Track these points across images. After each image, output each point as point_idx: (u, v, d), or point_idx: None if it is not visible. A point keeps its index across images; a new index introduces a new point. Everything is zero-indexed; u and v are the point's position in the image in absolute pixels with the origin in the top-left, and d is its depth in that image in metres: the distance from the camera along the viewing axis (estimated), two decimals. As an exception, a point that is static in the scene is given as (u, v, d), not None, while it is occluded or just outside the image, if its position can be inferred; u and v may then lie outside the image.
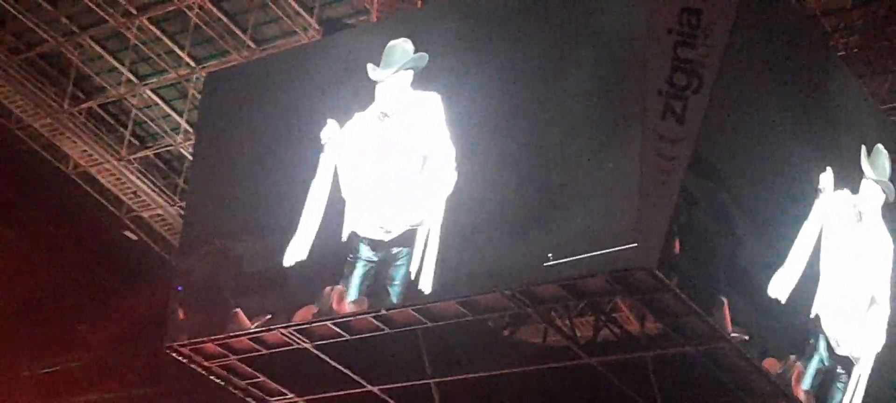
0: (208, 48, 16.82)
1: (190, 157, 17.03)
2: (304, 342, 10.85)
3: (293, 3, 15.74)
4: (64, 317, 18.48)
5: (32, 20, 16.99)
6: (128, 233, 18.99)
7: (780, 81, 9.91)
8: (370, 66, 10.55)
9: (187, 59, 16.86)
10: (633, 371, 10.11)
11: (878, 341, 10.64)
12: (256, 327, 10.89)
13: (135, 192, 18.67)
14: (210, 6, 16.24)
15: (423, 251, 9.98)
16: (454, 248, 9.87)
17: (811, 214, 10.00)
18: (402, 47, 10.52)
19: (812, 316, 10.04)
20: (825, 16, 13.85)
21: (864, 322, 10.55)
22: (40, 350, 18.66)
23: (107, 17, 16.63)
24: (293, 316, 10.68)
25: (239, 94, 12.34)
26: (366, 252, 10.38)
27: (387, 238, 10.27)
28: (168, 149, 18.26)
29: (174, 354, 11.63)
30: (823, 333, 10.16)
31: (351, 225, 10.52)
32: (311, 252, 10.72)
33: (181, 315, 11.50)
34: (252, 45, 16.36)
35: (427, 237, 9.99)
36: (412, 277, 9.98)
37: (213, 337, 11.24)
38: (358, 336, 10.59)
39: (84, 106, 17.86)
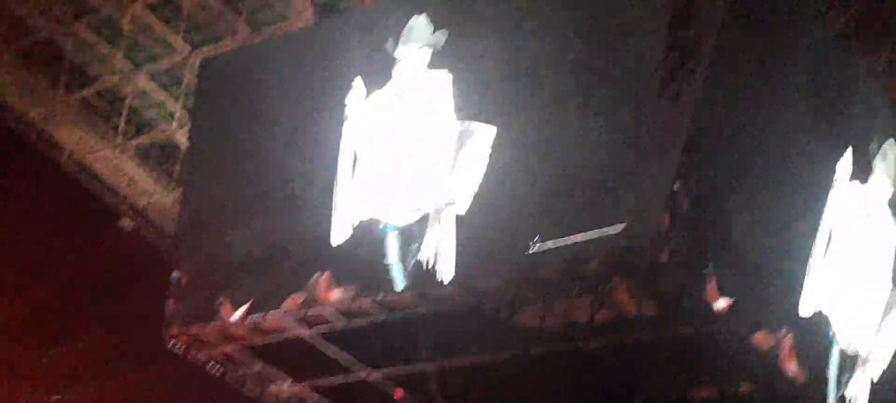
0: (203, 34, 16.76)
1: (186, 144, 16.98)
2: (303, 328, 10.86)
3: (288, -13, 15.69)
4: (60, 312, 18.47)
5: (24, 10, 16.91)
6: (123, 222, 18.95)
7: (779, 59, 9.82)
8: (390, 43, 10.43)
9: (182, 45, 16.80)
10: (631, 353, 10.12)
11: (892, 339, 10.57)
12: (253, 314, 10.90)
13: (131, 180, 18.63)
14: (202, -10, 16.20)
15: (444, 234, 9.89)
16: (457, 232, 9.85)
17: (827, 202, 9.90)
18: (420, 25, 10.43)
19: (819, 311, 9.93)
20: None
21: (878, 319, 10.47)
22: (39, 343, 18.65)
23: (99, 5, 16.57)
24: (282, 303, 10.66)
25: (237, 79, 12.30)
26: (390, 237, 10.21)
27: (403, 222, 10.15)
28: (164, 135, 18.21)
29: (172, 343, 11.64)
30: (834, 331, 10.07)
31: (370, 209, 10.39)
32: (318, 241, 10.65)
33: (179, 304, 11.51)
34: (248, 28, 16.29)
35: (450, 220, 9.88)
36: (426, 261, 9.92)
37: (210, 326, 11.24)
38: (356, 322, 10.59)
39: (78, 94, 17.80)
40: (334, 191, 10.58)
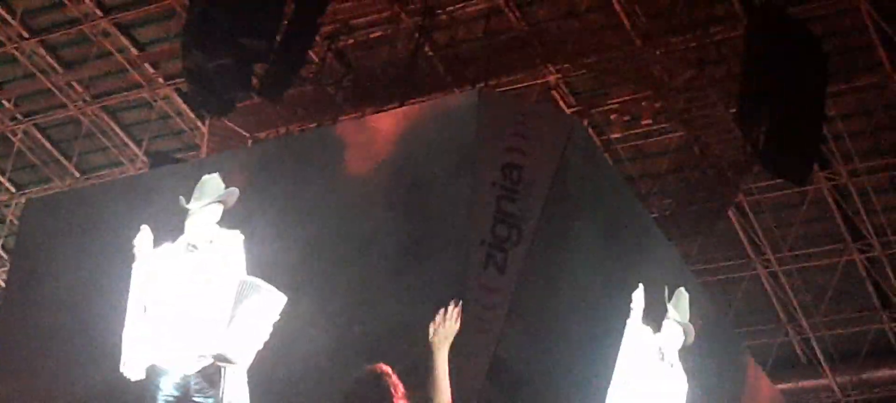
0: (31, 174, 16.48)
1: (2, 285, 16.47)
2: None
3: (122, 134, 15.62)
4: None
5: None
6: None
7: (598, 233, 10.31)
8: (181, 199, 10.57)
9: (7, 185, 16.46)
10: None
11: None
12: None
13: (-59, 319, 17.91)
14: (35, 133, 15.97)
15: (235, 389, 9.87)
16: (261, 396, 9.79)
17: (623, 340, 10.32)
18: (213, 181, 10.61)
19: None
20: (642, 179, 14.54)
21: None
22: None
23: (-76, 137, 16.17)
24: None
25: (58, 222, 12.11)
26: (166, 386, 10.19)
27: (190, 370, 10.12)
28: (-20, 275, 17.64)
29: None
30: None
31: (151, 356, 10.35)
32: (105, 387, 10.49)
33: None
34: (76, 173, 16.10)
35: (235, 379, 9.88)
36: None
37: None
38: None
39: None
40: (123, 334, 10.58)
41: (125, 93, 15.20)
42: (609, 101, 13.76)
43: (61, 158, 16.00)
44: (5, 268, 16.33)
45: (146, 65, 15.05)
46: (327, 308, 9.82)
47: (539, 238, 9.42)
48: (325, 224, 10.13)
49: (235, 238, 10.33)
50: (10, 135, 15.86)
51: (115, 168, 15.88)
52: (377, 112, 12.74)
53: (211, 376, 10.03)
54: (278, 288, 9.93)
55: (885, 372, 17.27)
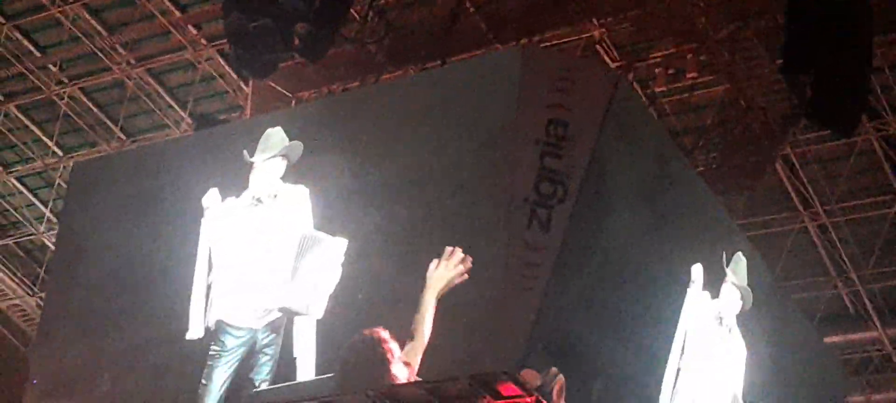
0: (77, 138, 16.62)
1: (52, 247, 16.68)
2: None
3: (167, 97, 15.70)
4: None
5: None
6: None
7: (644, 190, 10.25)
8: (245, 152, 10.64)
9: (55, 149, 16.61)
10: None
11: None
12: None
13: (-7, 282, 18.22)
14: (82, 96, 16.09)
15: (305, 340, 9.96)
16: (340, 340, 9.89)
17: (682, 310, 10.30)
18: (277, 135, 10.66)
19: None
20: (687, 133, 14.42)
21: None
22: None
23: (-28, 103, 16.35)
24: None
25: (107, 185, 12.21)
26: (231, 342, 10.32)
27: (257, 324, 10.23)
28: (30, 238, 17.85)
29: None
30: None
31: (217, 312, 10.47)
32: (164, 347, 10.62)
33: (36, 409, 11.24)
34: (123, 136, 16.22)
35: (304, 329, 9.98)
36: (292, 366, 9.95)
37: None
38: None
39: (-57, 193, 17.44)
40: (191, 294, 10.70)
41: (169, 56, 15.27)
42: (653, 55, 13.62)
43: (107, 121, 16.11)
44: (54, 231, 16.52)
45: (189, 26, 15.10)
46: (385, 255, 9.88)
47: (584, 195, 9.38)
48: (381, 176, 10.15)
49: (300, 192, 10.37)
50: (56, 100, 15.99)
51: (160, 131, 15.98)
52: (419, 70, 12.73)
53: (278, 329, 10.14)
54: (343, 233, 9.99)
55: (935, 324, 17.15)
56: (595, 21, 13.64)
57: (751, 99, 13.45)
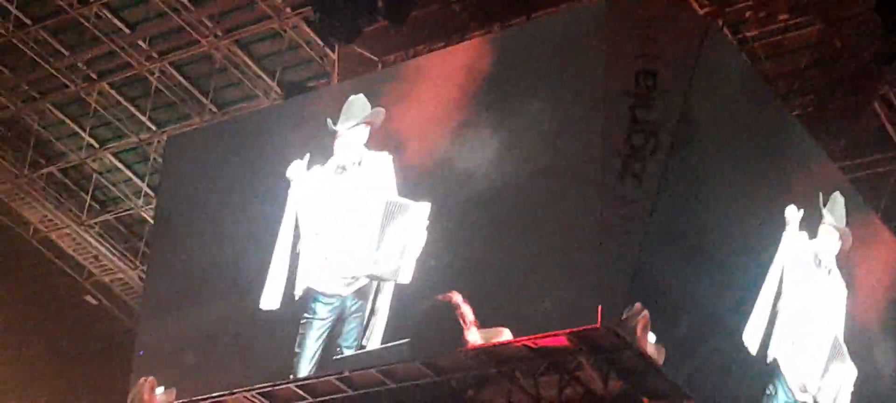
0: (169, 112, 16.83)
1: (151, 221, 16.97)
2: (264, 409, 10.87)
3: (254, 67, 15.81)
4: (24, 387, 18.25)
5: (-8, 87, 16.95)
6: (89, 298, 18.85)
7: (737, 137, 10.09)
8: (329, 120, 10.71)
9: (148, 124, 16.86)
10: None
11: (842, 387, 10.76)
12: (219, 391, 10.90)
13: (96, 257, 18.57)
14: (171, 71, 16.28)
15: (383, 305, 10.06)
16: (414, 305, 9.94)
17: (778, 251, 10.18)
18: (360, 102, 10.71)
19: (770, 360, 10.16)
20: (781, 77, 14.11)
21: (827, 367, 10.67)
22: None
23: (68, 83, 16.61)
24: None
25: (200, 157, 12.40)
26: (322, 310, 10.43)
27: (345, 291, 10.35)
28: (129, 213, 18.18)
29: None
30: (783, 378, 10.27)
31: (306, 280, 10.59)
32: (261, 315, 10.76)
33: (143, 379, 11.46)
34: (213, 108, 16.38)
35: (390, 292, 10.06)
36: (368, 333, 10.04)
37: (175, 402, 11.20)
38: (321, 399, 10.60)
39: (44, 171, 17.78)
40: (271, 261, 10.81)
41: (255, 26, 15.36)
42: (742, -1, 13.34)
43: (198, 94, 16.28)
44: (152, 205, 16.81)
45: (274, -4, 15.20)
46: (464, 218, 9.89)
47: (677, 145, 9.26)
48: (466, 138, 10.14)
49: (384, 159, 10.42)
50: (147, 76, 16.20)
51: (250, 101, 16.09)
52: (503, 27, 12.63)
53: (365, 295, 10.23)
54: (426, 198, 10.04)
55: None
56: (682, -34, 13.38)
57: (846, 38, 13.11)
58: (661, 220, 9.20)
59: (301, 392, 10.60)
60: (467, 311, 9.45)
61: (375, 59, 13.29)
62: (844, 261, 10.85)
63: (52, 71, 16.43)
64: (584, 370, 9.83)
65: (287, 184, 11.04)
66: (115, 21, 15.81)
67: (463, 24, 13.40)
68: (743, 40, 13.55)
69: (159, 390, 10.87)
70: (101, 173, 17.90)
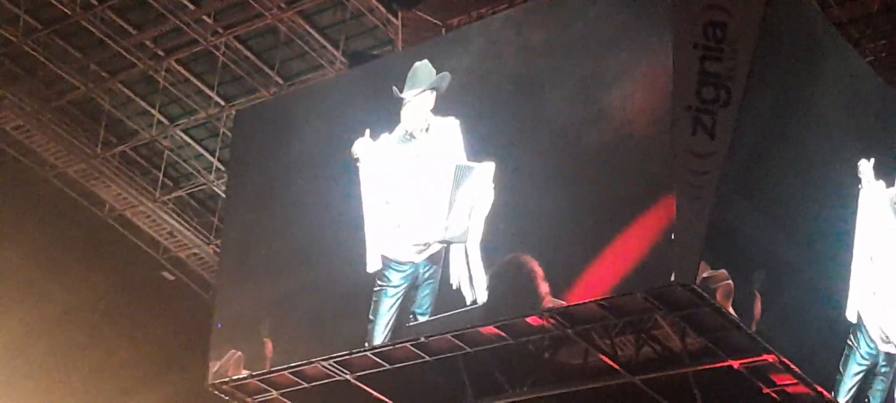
0: (237, 86, 16.94)
1: (223, 195, 17.13)
2: (344, 373, 10.92)
3: (319, 38, 15.84)
4: (104, 367, 18.53)
5: (62, 68, 17.15)
6: (165, 274, 19.11)
7: (808, 87, 9.91)
8: (395, 88, 10.72)
9: (216, 99, 16.98)
10: (676, 387, 10.09)
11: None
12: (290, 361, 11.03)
13: (170, 233, 18.80)
14: (237, 45, 16.37)
15: (462, 268, 10.07)
16: (486, 268, 9.94)
17: (858, 206, 10.04)
18: (425, 68, 10.69)
19: (851, 311, 10.02)
20: (852, 23, 13.81)
21: None
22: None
23: (135, 61, 16.79)
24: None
25: (269, 130, 12.46)
26: (395, 277, 10.48)
27: (418, 258, 10.37)
28: (201, 188, 18.38)
29: (217, 392, 11.72)
30: (865, 328, 10.14)
31: (378, 249, 10.63)
32: (335, 284, 10.85)
33: (222, 352, 11.60)
34: (280, 81, 16.46)
35: (465, 255, 10.07)
36: (447, 295, 10.06)
37: (254, 373, 11.32)
38: (397, 365, 10.66)
39: (117, 150, 18.01)
40: (364, 228, 10.86)
41: (317, -5, 15.41)
42: (811, -56, 13.05)
43: (264, 67, 16.36)
44: (223, 180, 16.95)
45: (336, -36, 15.20)
46: (531, 179, 9.87)
47: (750, 97, 9.11)
48: (533, 98, 10.10)
49: (451, 124, 10.42)
50: (213, 50, 16.31)
51: (316, 72, 16.15)
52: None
53: (438, 261, 10.27)
54: (494, 159, 10.06)
55: None
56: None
57: (920, -23, 12.81)
58: (735, 174, 9.07)
59: (377, 359, 10.65)
60: (538, 268, 9.45)
61: (439, 23, 13.22)
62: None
63: (120, 50, 16.61)
64: (661, 328, 9.77)
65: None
66: (181, -3, 15.94)
67: (525, -16, 13.28)
68: (813, -14, 13.28)
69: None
70: (172, 150, 18.10)
